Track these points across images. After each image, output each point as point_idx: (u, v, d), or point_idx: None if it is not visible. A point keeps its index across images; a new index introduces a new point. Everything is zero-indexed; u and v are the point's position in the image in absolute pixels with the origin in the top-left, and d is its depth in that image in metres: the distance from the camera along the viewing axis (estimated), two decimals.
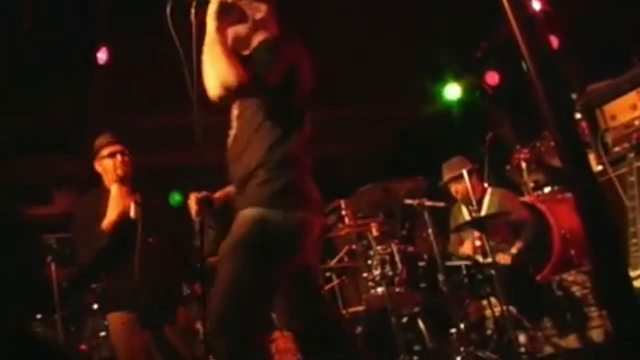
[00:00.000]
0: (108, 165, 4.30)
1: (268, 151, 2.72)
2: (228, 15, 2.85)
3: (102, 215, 4.17)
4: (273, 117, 2.76)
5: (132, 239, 4.01)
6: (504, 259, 5.39)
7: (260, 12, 2.97)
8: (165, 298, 4.22)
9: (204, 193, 2.97)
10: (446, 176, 5.93)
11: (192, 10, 2.86)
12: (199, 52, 2.78)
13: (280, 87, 2.73)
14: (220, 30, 2.80)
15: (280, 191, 2.68)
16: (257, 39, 2.91)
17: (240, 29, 2.93)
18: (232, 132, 2.92)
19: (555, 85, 1.29)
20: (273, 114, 2.76)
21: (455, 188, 5.93)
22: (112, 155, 4.30)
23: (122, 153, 4.32)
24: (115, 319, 4.21)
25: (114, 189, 4.16)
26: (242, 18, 2.93)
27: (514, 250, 5.49)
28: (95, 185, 4.47)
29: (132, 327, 4.11)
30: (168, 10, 2.82)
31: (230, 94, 2.71)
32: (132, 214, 4.00)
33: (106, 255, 4.14)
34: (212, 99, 2.71)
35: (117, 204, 4.13)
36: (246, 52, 2.89)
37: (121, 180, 4.28)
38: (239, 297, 2.58)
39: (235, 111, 2.91)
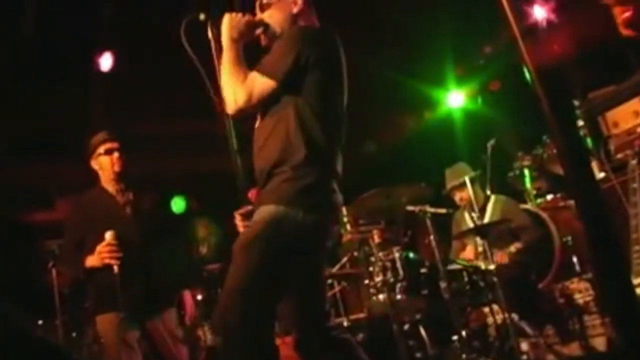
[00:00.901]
0: (105, 162, 4.31)
1: (289, 142, 2.69)
2: (241, 29, 2.87)
3: (96, 219, 4.19)
4: (295, 107, 2.73)
5: (128, 241, 4.05)
6: (501, 257, 5.39)
7: (296, 5, 2.98)
8: (153, 298, 4.17)
9: (246, 208, 2.91)
10: (449, 184, 5.94)
11: (209, 28, 2.91)
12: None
13: (301, 75, 2.72)
14: (232, 46, 2.83)
15: (303, 190, 2.63)
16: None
17: (276, 26, 2.96)
18: (257, 123, 2.91)
19: (558, 92, 1.29)
20: (295, 104, 2.73)
21: (460, 196, 5.93)
22: (108, 152, 4.31)
23: (119, 150, 4.31)
24: (104, 321, 4.17)
25: (109, 235, 4.04)
26: (257, 27, 2.96)
27: (512, 249, 5.48)
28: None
29: (121, 328, 4.06)
30: (182, 28, 2.86)
31: (243, 113, 2.75)
32: (115, 269, 3.96)
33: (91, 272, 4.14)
34: (229, 111, 2.77)
35: (98, 259, 4.04)
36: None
37: (117, 178, 4.30)
38: (249, 293, 2.54)
39: (260, 108, 2.90)
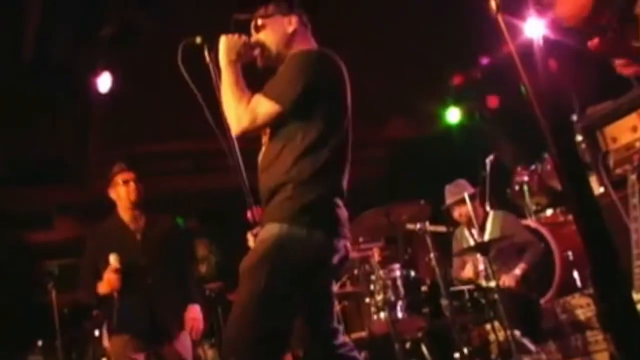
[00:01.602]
0: (121, 192, 4.60)
1: (296, 165, 2.69)
2: (239, 50, 2.89)
3: (107, 247, 4.41)
4: (303, 131, 2.73)
5: (136, 267, 4.36)
6: (508, 280, 5.36)
7: (291, 25, 3.00)
8: (161, 322, 4.39)
9: (259, 229, 2.91)
10: (448, 200, 5.92)
11: (206, 53, 2.92)
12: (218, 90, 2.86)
13: (310, 101, 2.72)
14: (231, 68, 2.84)
15: (306, 207, 2.63)
16: (290, 53, 2.93)
17: (272, 46, 2.98)
18: (264, 141, 2.91)
19: (555, 108, 1.29)
20: (303, 127, 2.74)
21: (458, 212, 5.91)
22: (125, 182, 4.61)
23: (134, 180, 4.62)
24: (115, 343, 4.42)
25: (112, 259, 4.32)
26: (255, 48, 2.98)
27: (517, 271, 5.45)
28: (97, 212, 4.66)
29: (129, 349, 4.32)
30: (179, 53, 2.87)
31: (246, 135, 2.76)
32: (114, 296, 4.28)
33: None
34: (233, 133, 2.78)
35: (106, 285, 4.33)
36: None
37: (132, 206, 4.59)
38: (258, 316, 2.52)
39: (267, 129, 2.90)
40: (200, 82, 2.89)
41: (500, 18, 1.37)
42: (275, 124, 2.78)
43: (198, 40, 2.93)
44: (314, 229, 2.62)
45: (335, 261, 2.74)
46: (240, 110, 2.74)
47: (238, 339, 2.54)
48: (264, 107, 2.73)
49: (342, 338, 2.93)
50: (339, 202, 2.78)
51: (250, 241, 2.88)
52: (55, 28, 5.89)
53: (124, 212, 4.63)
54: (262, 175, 2.83)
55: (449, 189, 5.98)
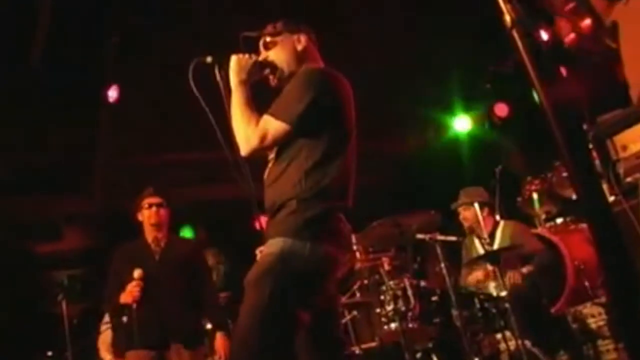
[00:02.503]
0: (145, 214, 4.97)
1: (301, 181, 2.71)
2: (249, 70, 2.91)
3: (133, 264, 4.75)
4: (309, 148, 2.76)
5: (151, 285, 4.67)
6: (514, 277, 5.34)
7: (300, 43, 3.02)
8: (181, 336, 4.70)
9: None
10: (459, 201, 5.94)
11: (217, 72, 2.94)
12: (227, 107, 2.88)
13: (316, 119, 2.75)
14: (241, 87, 2.87)
15: (308, 222, 2.64)
16: (299, 70, 2.95)
17: (284, 65, 2.99)
18: (270, 157, 2.93)
19: (568, 115, 1.29)
20: (309, 144, 2.76)
21: (463, 215, 5.94)
22: (150, 206, 4.97)
23: (158, 205, 4.99)
24: (130, 356, 4.68)
25: (136, 273, 4.67)
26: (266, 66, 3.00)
27: (524, 270, 5.44)
28: (105, 223, 4.81)
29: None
30: (190, 72, 2.89)
31: (256, 154, 2.78)
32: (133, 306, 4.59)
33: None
34: (242, 153, 2.79)
35: (127, 295, 4.64)
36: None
37: (154, 229, 4.95)
38: (263, 330, 2.52)
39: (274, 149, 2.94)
40: (210, 98, 2.90)
41: (515, 33, 1.36)
42: (282, 143, 2.81)
43: (209, 59, 2.95)
44: (317, 242, 2.63)
45: (340, 274, 2.78)
46: (250, 130, 2.76)
47: (244, 353, 2.55)
48: (273, 127, 2.76)
49: (349, 350, 2.94)
50: (342, 216, 2.80)
51: (258, 257, 2.89)
52: (64, 37, 5.91)
53: (148, 234, 4.97)
54: (268, 190, 2.86)
55: (463, 191, 6.01)
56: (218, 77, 2.95)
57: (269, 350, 2.52)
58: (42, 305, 7.04)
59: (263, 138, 2.75)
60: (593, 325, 5.18)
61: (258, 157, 2.89)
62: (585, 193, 1.29)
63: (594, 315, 5.19)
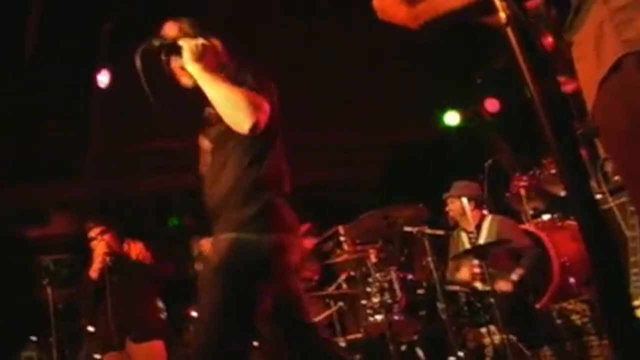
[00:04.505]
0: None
1: (240, 177, 2.77)
2: (205, 55, 2.89)
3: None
4: (245, 143, 2.80)
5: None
6: (505, 286, 5.35)
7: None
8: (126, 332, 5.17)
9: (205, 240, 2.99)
10: (449, 192, 5.98)
11: (163, 57, 2.93)
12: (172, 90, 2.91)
13: None
14: (209, 69, 2.83)
15: (254, 215, 2.69)
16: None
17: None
18: (208, 161, 2.96)
19: (560, 110, 1.30)
20: (245, 140, 2.79)
21: (450, 207, 5.98)
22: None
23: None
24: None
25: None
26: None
27: (514, 276, 5.45)
28: (94, 208, 4.94)
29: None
30: (138, 57, 2.85)
31: (259, 127, 2.72)
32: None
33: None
34: (244, 131, 2.71)
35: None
36: None
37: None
38: (221, 328, 2.57)
39: (205, 142, 2.99)
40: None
41: (509, 31, 1.36)
42: (219, 138, 2.86)
43: (156, 43, 2.91)
44: (265, 233, 2.68)
45: (296, 258, 2.84)
46: (244, 103, 2.70)
47: (207, 349, 2.59)
48: (256, 97, 2.76)
49: (322, 334, 2.97)
50: (284, 203, 2.85)
51: (205, 247, 2.96)
52: (56, 22, 5.87)
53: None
54: (208, 187, 2.90)
55: (454, 184, 6.04)
56: (164, 61, 2.95)
57: (226, 350, 2.55)
58: (28, 291, 7.01)
59: (260, 108, 2.73)
60: (577, 322, 5.20)
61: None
62: (574, 189, 1.30)
63: (579, 311, 5.21)
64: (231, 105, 2.73)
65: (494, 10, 1.35)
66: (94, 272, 5.25)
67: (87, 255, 5.45)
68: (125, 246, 5.46)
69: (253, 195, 2.73)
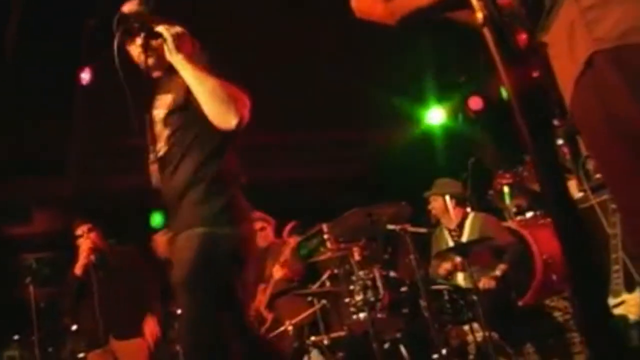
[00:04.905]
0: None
1: (199, 169, 2.75)
2: (183, 43, 2.87)
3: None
4: (203, 136, 2.78)
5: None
6: (488, 283, 5.36)
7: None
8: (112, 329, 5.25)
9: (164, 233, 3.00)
10: (431, 190, 5.99)
11: (140, 40, 2.88)
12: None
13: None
14: (189, 58, 2.80)
15: (221, 209, 2.69)
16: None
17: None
18: (162, 153, 2.90)
19: (536, 111, 1.30)
20: (203, 132, 2.77)
21: (432, 204, 5.99)
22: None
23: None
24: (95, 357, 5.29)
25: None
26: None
27: (497, 272, 5.47)
28: (76, 206, 4.93)
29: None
30: (118, 36, 2.82)
31: (246, 112, 2.73)
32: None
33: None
34: (230, 127, 2.69)
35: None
36: None
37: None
38: (210, 327, 2.58)
39: (165, 132, 2.90)
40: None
41: (486, 31, 1.37)
42: (176, 131, 2.85)
43: (136, 24, 2.86)
44: (235, 225, 2.70)
45: (263, 244, 2.93)
46: (229, 98, 2.69)
47: (199, 342, 2.59)
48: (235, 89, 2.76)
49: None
50: (240, 192, 2.86)
51: (159, 242, 2.97)
52: (37, 19, 5.83)
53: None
54: (166, 186, 2.85)
55: (437, 181, 6.05)
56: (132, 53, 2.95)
57: (219, 346, 2.57)
58: (9, 289, 6.97)
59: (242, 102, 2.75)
60: (560, 319, 5.24)
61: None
62: (548, 187, 1.30)
63: (561, 308, 5.25)
64: (218, 100, 2.69)
65: (469, 6, 1.35)
66: (78, 269, 5.29)
67: (70, 253, 5.44)
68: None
69: (215, 189, 2.72)
